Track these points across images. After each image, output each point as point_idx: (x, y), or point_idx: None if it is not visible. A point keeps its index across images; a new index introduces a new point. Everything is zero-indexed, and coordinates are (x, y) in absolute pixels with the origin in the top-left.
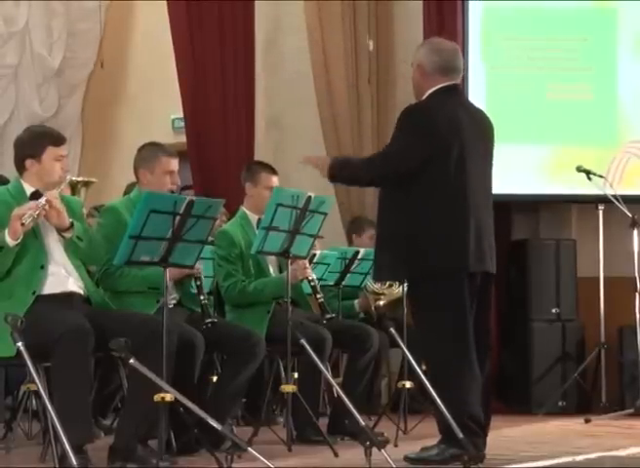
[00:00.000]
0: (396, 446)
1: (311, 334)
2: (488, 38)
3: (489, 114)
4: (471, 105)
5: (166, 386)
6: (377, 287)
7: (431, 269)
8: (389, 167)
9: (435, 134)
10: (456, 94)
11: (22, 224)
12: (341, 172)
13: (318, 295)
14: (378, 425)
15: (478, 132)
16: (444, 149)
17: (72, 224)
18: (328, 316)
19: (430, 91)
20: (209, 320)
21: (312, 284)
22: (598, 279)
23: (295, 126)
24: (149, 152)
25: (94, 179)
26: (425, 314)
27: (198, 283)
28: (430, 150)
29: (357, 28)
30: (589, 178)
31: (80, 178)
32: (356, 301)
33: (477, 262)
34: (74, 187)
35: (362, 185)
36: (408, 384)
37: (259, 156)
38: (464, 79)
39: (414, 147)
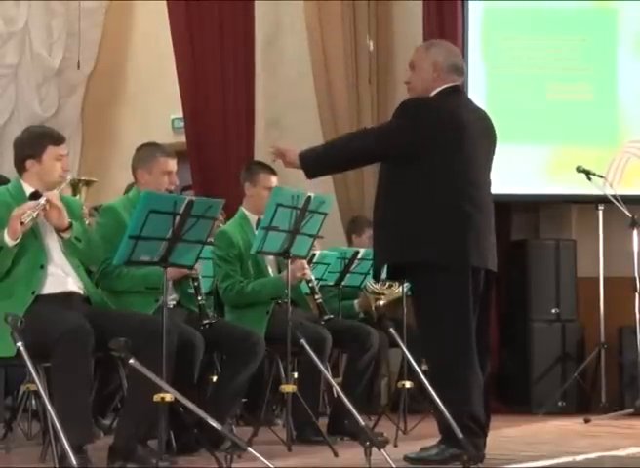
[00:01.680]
0: (396, 446)
1: (311, 334)
2: (488, 38)
3: (489, 114)
4: (475, 106)
5: (166, 386)
6: (377, 287)
7: (433, 266)
8: (372, 145)
9: (432, 127)
10: (461, 94)
11: (22, 224)
12: (313, 154)
13: (317, 296)
14: (377, 425)
15: (482, 130)
16: (445, 140)
17: (71, 225)
18: (326, 317)
19: (437, 90)
20: (206, 321)
21: (311, 285)
22: (598, 279)
23: (295, 126)
24: (147, 152)
25: (95, 179)
26: (428, 313)
27: (196, 284)
28: (420, 141)
29: (357, 28)
30: (589, 178)
31: (82, 178)
32: (356, 301)
33: (479, 259)
34: (75, 187)
35: (339, 163)
36: (408, 384)
37: (258, 156)
38: (464, 79)
39: (401, 133)
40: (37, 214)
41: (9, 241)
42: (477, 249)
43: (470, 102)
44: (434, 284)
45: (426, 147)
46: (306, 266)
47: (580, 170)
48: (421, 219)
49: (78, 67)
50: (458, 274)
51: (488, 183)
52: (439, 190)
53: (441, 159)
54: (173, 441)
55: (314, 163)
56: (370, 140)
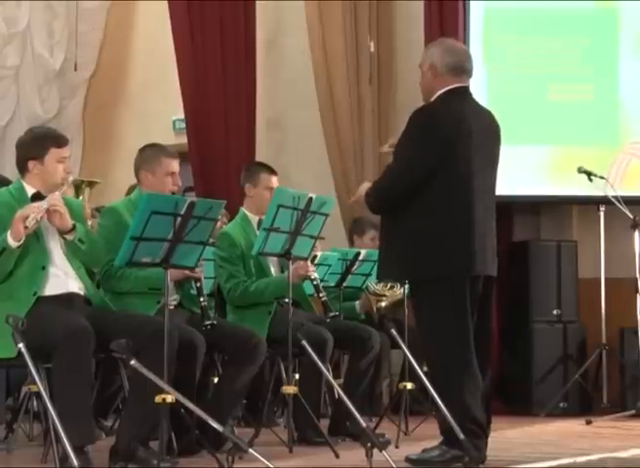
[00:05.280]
0: (397, 447)
1: (312, 336)
2: (489, 38)
3: None
4: (480, 107)
5: (167, 387)
6: (378, 288)
7: (434, 272)
8: (399, 185)
9: (443, 140)
10: (465, 96)
11: (26, 227)
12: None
13: (321, 294)
14: (379, 426)
15: (486, 134)
16: (452, 154)
17: (74, 226)
18: (331, 314)
19: (440, 92)
20: (208, 322)
21: (315, 282)
22: (599, 280)
23: (295, 127)
24: (150, 153)
25: (98, 180)
26: (427, 316)
27: (198, 285)
28: (437, 158)
29: (358, 29)
30: (590, 180)
31: (85, 179)
32: (357, 302)
33: (480, 266)
34: (78, 188)
35: (382, 208)
36: (409, 385)
37: (260, 157)
38: None
39: (420, 159)
40: (41, 217)
41: (12, 243)
42: (477, 255)
43: (476, 105)
44: (433, 289)
45: (433, 162)
46: (310, 264)
47: (581, 171)
48: (424, 231)
49: (75, 69)
50: (457, 280)
51: (491, 187)
52: (441, 202)
53: (443, 169)
54: (174, 442)
55: (369, 203)
56: (394, 181)
